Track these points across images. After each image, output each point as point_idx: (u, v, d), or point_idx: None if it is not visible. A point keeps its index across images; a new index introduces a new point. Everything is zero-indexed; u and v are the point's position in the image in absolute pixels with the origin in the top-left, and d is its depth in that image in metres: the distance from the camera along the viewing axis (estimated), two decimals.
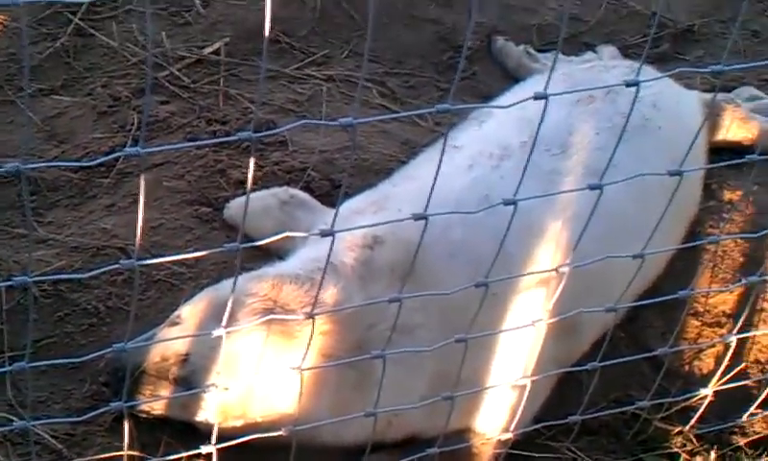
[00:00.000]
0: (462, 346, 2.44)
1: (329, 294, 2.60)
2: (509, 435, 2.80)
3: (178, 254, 2.99)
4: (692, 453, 2.94)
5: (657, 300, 2.84)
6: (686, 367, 3.14)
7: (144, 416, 2.66)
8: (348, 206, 2.93)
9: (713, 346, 3.10)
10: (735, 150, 3.53)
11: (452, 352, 2.49)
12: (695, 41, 4.07)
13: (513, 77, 3.76)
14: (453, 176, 2.84)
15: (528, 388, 2.71)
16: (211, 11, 3.80)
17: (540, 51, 3.88)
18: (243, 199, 3.21)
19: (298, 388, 2.41)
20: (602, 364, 2.66)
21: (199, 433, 2.57)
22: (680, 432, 2.98)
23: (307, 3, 3.88)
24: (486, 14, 3.97)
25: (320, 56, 3.81)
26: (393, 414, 2.62)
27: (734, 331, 2.88)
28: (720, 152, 3.51)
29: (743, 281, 3.13)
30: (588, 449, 2.90)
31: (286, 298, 2.63)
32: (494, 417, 2.82)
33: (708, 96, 3.55)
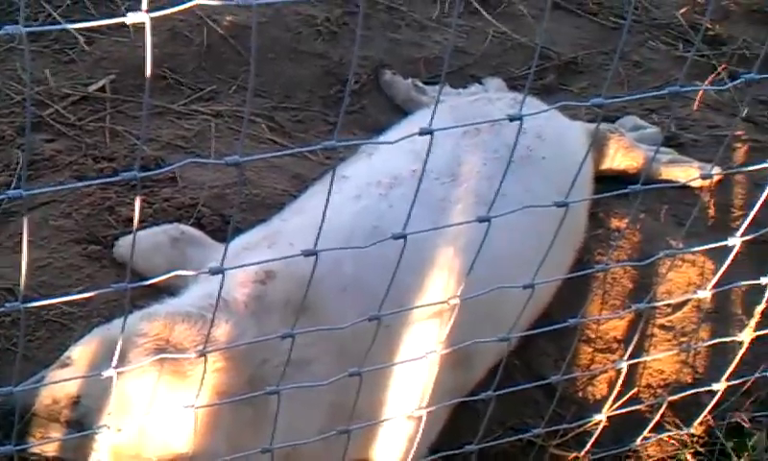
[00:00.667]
0: (357, 379, 2.46)
1: (222, 331, 2.59)
2: None
3: (67, 293, 2.97)
4: None
5: (548, 328, 2.86)
6: (580, 393, 3.17)
7: (35, 459, 2.61)
8: (239, 242, 2.93)
9: (605, 371, 3.14)
10: (621, 178, 3.57)
11: (348, 386, 2.50)
12: (579, 73, 4.14)
13: (402, 110, 3.76)
14: (342, 207, 2.85)
15: (424, 419, 2.73)
16: (96, 48, 3.78)
17: (427, 83, 3.89)
18: (132, 236, 3.20)
19: (192, 427, 2.41)
20: (497, 393, 2.68)
21: None
22: (575, 458, 3.01)
23: (194, 39, 3.87)
24: (373, 48, 4.00)
25: (207, 91, 3.80)
26: (290, 448, 2.62)
27: (626, 357, 2.91)
28: (606, 180, 3.55)
29: (632, 308, 3.17)
30: None
31: (178, 336, 2.61)
32: (391, 449, 2.82)
33: (593, 126, 3.61)
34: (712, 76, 4.14)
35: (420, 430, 2.75)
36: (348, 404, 2.55)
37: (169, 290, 2.84)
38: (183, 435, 2.51)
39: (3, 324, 2.93)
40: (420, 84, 3.89)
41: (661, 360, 3.23)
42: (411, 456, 2.78)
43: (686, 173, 3.67)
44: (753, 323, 2.93)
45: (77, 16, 3.94)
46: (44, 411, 2.58)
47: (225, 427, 2.58)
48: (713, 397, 3.01)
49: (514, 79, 3.98)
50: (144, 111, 3.61)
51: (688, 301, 3.34)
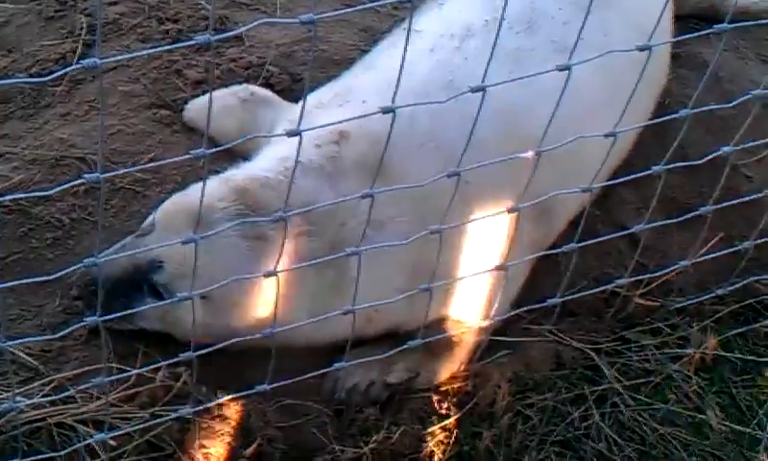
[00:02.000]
0: (437, 237, 2.49)
1: (300, 196, 2.59)
2: (488, 322, 2.85)
3: (140, 160, 3.01)
4: (674, 327, 2.99)
5: (630, 176, 2.86)
6: (664, 242, 3.15)
7: (120, 328, 2.66)
8: (310, 100, 2.90)
9: (690, 219, 3.09)
10: (703, 16, 3.52)
11: (428, 244, 2.52)
12: None
13: None
14: (415, 62, 2.79)
15: (506, 274, 2.76)
16: None
17: None
18: (203, 99, 3.20)
19: (275, 292, 2.44)
20: (579, 245, 2.69)
21: (176, 341, 2.57)
22: (660, 307, 3.03)
23: None
24: None
25: None
26: (372, 309, 2.65)
27: (711, 203, 2.92)
28: (687, 19, 3.51)
29: (719, 151, 3.17)
30: (569, 331, 2.95)
31: (258, 201, 2.64)
32: (473, 305, 2.85)
33: None
34: None
35: (502, 286, 2.79)
36: (428, 263, 2.57)
37: (242, 153, 2.84)
38: (265, 301, 2.55)
39: (77, 194, 2.96)
40: None
41: (747, 205, 3.20)
42: (493, 312, 2.82)
43: None
44: None
45: None
46: (127, 280, 2.63)
47: (307, 292, 2.62)
48: None
49: None
50: None
51: None
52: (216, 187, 2.66)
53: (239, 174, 2.75)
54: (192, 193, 2.66)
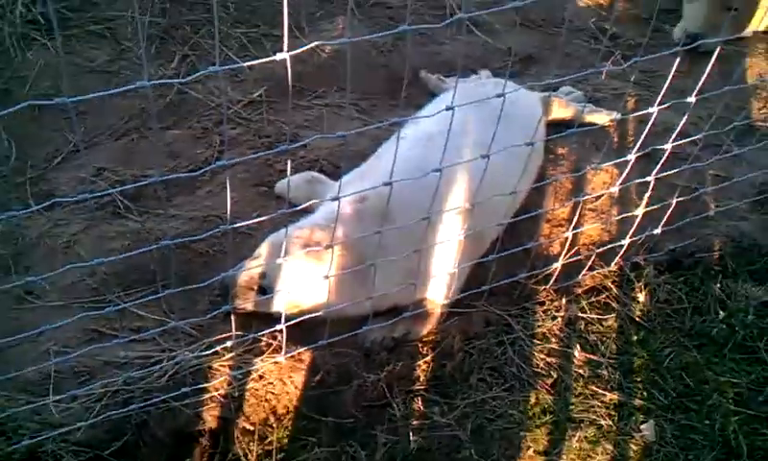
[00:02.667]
0: (420, 254, 2.52)
1: (339, 233, 2.63)
2: (447, 300, 2.88)
3: (250, 216, 3.03)
4: (551, 300, 2.99)
5: (525, 215, 2.89)
6: (546, 252, 3.16)
7: (242, 312, 2.70)
8: (344, 179, 2.96)
9: (560, 239, 3.13)
10: (562, 124, 3.54)
11: (413, 257, 2.58)
12: (534, 63, 4.07)
13: (433, 93, 3.73)
14: (402, 155, 2.83)
15: (457, 273, 2.79)
16: (255, 71, 3.76)
17: (446, 76, 3.85)
18: (285, 180, 3.23)
19: (326, 288, 2.48)
20: (497, 256, 2.72)
21: (273, 319, 2.59)
22: (544, 290, 3.02)
23: (309, 62, 3.82)
24: (415, 60, 3.96)
25: (320, 92, 3.78)
26: (383, 296, 2.69)
27: (570, 229, 2.94)
28: (554, 125, 3.54)
29: (573, 200, 3.21)
30: (494, 304, 2.94)
31: (316, 237, 2.68)
32: (440, 291, 2.87)
33: (544, 94, 3.58)
34: (612, 58, 4.07)
35: (456, 279, 2.81)
36: (413, 267, 2.63)
37: (307, 211, 2.86)
38: (322, 293, 2.58)
39: (218, 237, 2.98)
40: (443, 77, 3.84)
41: (591, 230, 3.22)
42: (450, 294, 2.85)
43: (600, 118, 3.64)
44: (642, 204, 2.92)
45: (245, 53, 3.90)
46: (245, 284, 2.66)
47: (345, 287, 2.64)
48: (622, 248, 3.02)
49: (495, 69, 3.91)
50: (289, 106, 3.61)
51: (605, 193, 3.31)
52: (293, 230, 2.72)
53: (306, 222, 2.81)
54: (280, 234, 2.70)
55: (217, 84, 3.70)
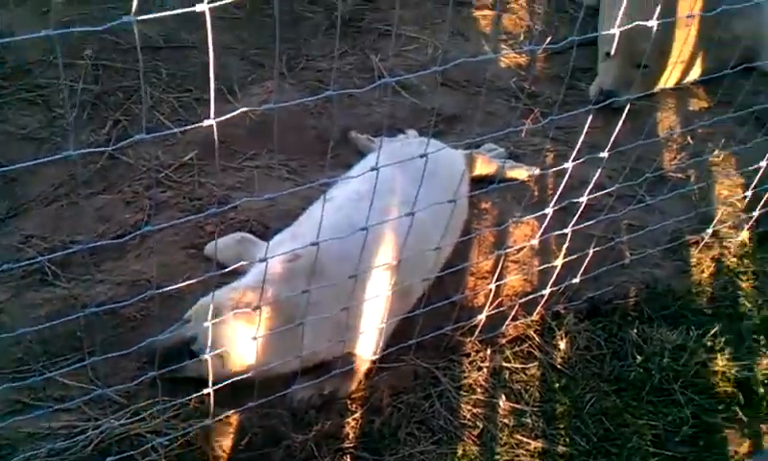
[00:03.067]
0: (349, 310, 2.53)
1: (270, 293, 2.63)
2: (375, 355, 2.88)
3: (181, 279, 3.00)
4: (477, 352, 3.02)
5: (450, 269, 2.93)
6: (470, 304, 3.19)
7: (170, 377, 2.64)
8: (276, 239, 2.96)
9: (484, 290, 3.16)
10: (485, 179, 3.61)
11: (343, 313, 2.59)
12: (458, 122, 4.13)
13: (362, 153, 3.76)
14: (331, 214, 2.85)
15: (385, 328, 2.80)
16: (186, 135, 3.73)
17: (374, 136, 3.88)
18: (215, 242, 3.22)
19: (255, 349, 2.47)
20: (423, 310, 2.74)
21: (201, 383, 2.55)
22: (469, 341, 3.05)
23: (241, 124, 3.82)
24: (342, 119, 3.99)
25: (250, 154, 3.77)
26: (312, 353, 2.68)
27: (493, 281, 2.99)
28: (477, 181, 3.60)
29: (496, 253, 3.25)
30: (420, 358, 2.95)
31: (247, 299, 2.66)
32: (368, 346, 2.87)
33: (467, 151, 3.64)
34: (531, 116, 4.16)
35: (383, 335, 2.83)
36: (342, 323, 2.64)
37: (237, 273, 2.85)
38: (252, 354, 2.56)
39: (145, 302, 2.93)
40: (371, 138, 3.86)
41: (514, 281, 3.27)
42: (378, 348, 2.85)
43: (521, 173, 3.71)
44: (561, 255, 2.98)
45: (177, 118, 3.89)
46: (176, 347, 2.62)
47: (274, 347, 2.63)
48: (544, 298, 3.07)
49: (421, 128, 3.96)
50: (217, 168, 3.59)
51: (526, 246, 3.37)
52: (225, 293, 2.70)
53: (236, 285, 2.79)
54: (210, 297, 2.65)
55: (148, 149, 3.69)
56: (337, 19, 4.61)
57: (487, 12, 4.78)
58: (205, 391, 2.41)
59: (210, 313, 2.29)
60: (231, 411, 2.64)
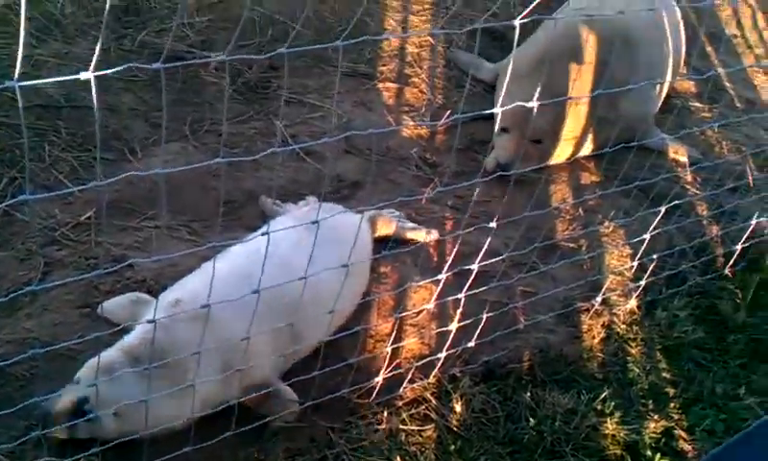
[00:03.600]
0: (235, 357, 2.53)
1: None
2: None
3: (73, 337, 2.87)
4: (374, 414, 3.00)
5: (348, 332, 2.92)
6: (368, 366, 3.17)
7: (58, 438, 2.55)
8: (164, 294, 2.91)
9: (381, 353, 3.15)
10: (385, 240, 3.62)
11: (229, 359, 2.54)
12: (361, 188, 4.15)
13: (266, 217, 3.72)
14: (225, 266, 2.86)
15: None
16: (84, 194, 3.63)
17: (281, 201, 3.83)
18: (108, 302, 3.13)
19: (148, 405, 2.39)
20: (320, 371, 2.72)
21: (90, 443, 2.45)
22: (367, 403, 3.03)
23: (141, 185, 3.74)
24: (246, 183, 3.96)
25: (150, 214, 3.69)
26: (204, 402, 2.65)
27: (389, 343, 2.99)
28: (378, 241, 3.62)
29: (395, 316, 3.27)
30: (317, 420, 2.92)
31: (135, 355, 2.61)
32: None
33: (369, 214, 3.65)
34: (431, 185, 4.23)
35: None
36: (232, 364, 2.64)
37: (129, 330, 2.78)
38: (142, 411, 2.48)
39: (36, 361, 2.82)
40: (278, 202, 3.82)
41: (412, 344, 3.28)
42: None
43: (419, 235, 3.75)
44: (456, 320, 3.01)
45: (75, 176, 3.78)
46: (63, 409, 2.52)
47: (167, 399, 2.56)
48: (440, 361, 3.09)
49: (324, 194, 3.96)
50: (101, 224, 3.51)
51: (424, 309, 3.39)
52: (114, 352, 2.61)
53: (126, 342, 2.70)
54: (102, 355, 2.59)
55: (45, 207, 3.57)
56: (242, 85, 4.62)
57: (389, 84, 4.88)
58: (93, 451, 2.32)
59: (100, 372, 2.22)
60: None
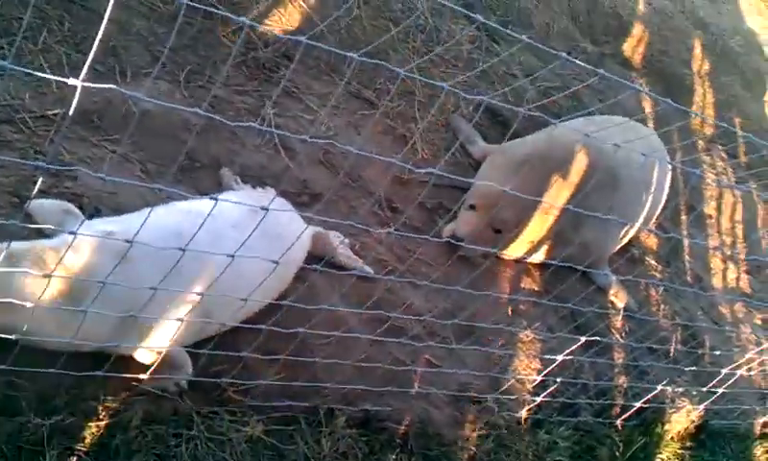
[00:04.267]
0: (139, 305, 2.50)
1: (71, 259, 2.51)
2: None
3: None
4: (243, 414, 2.93)
5: (252, 326, 2.86)
6: (257, 367, 3.09)
7: None
8: (96, 221, 2.84)
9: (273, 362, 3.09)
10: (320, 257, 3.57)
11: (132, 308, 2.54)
12: (320, 201, 4.10)
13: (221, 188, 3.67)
14: (161, 217, 2.83)
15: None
16: (60, 91, 3.55)
17: (243, 181, 3.79)
18: (40, 200, 3.04)
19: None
20: (211, 352, 2.65)
21: None
22: (241, 401, 2.97)
23: (117, 106, 3.65)
24: (216, 150, 3.90)
25: (114, 137, 3.60)
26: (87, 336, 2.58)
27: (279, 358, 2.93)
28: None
29: (298, 329, 3.21)
30: (187, 397, 2.84)
31: (44, 256, 2.53)
32: (144, 354, 2.77)
33: (316, 228, 3.62)
34: (385, 228, 4.19)
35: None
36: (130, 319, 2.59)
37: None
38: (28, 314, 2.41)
39: None
40: (239, 180, 3.78)
41: (306, 363, 3.22)
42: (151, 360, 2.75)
43: (355, 266, 3.70)
44: (352, 359, 2.97)
45: (59, 71, 3.70)
46: None
47: (54, 314, 2.50)
48: (323, 391, 3.03)
49: (286, 192, 3.91)
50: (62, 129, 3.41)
51: (333, 335, 3.33)
52: (22, 244, 2.57)
53: (37, 242, 2.64)
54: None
55: (18, 86, 3.49)
56: (251, 59, 4.59)
57: (386, 119, 4.88)
58: None
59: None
60: None
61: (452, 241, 4.15)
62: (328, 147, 3.77)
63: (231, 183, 3.76)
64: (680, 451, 4.20)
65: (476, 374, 3.65)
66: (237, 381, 2.93)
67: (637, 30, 7.40)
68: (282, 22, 4.84)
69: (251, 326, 2.92)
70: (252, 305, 3.08)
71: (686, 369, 4.44)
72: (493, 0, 6.36)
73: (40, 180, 3.06)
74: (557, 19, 6.82)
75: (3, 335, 2.38)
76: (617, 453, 3.86)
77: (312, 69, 4.86)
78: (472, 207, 4.49)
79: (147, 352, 2.72)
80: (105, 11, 4.06)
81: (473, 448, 3.46)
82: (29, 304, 2.34)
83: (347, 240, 3.88)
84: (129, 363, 2.72)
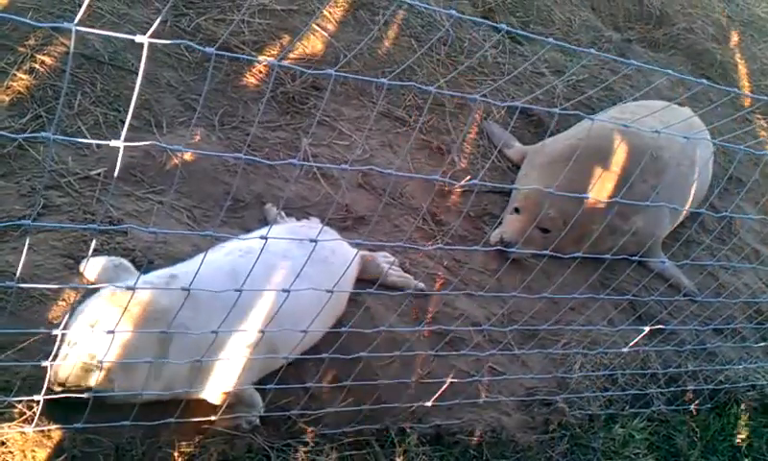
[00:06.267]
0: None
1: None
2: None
3: (49, 284, 2.86)
4: (316, 444, 2.96)
5: (313, 356, 2.88)
6: (322, 395, 3.13)
7: None
8: (150, 275, 2.88)
9: (338, 386, 3.11)
10: (371, 281, 3.60)
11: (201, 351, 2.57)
12: (366, 224, 4.13)
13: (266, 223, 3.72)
14: (216, 260, 2.88)
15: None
16: (101, 151, 3.65)
17: (288, 214, 3.84)
18: (93, 259, 3.11)
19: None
20: (275, 387, 2.68)
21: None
22: (312, 431, 3.00)
23: (156, 160, 3.73)
24: (257, 186, 3.95)
25: (158, 188, 3.69)
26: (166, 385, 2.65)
27: (351, 381, 2.95)
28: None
29: (360, 355, 3.23)
30: (260, 433, 2.89)
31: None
32: (214, 394, 2.79)
33: (363, 252, 3.64)
34: (432, 241, 4.22)
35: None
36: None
37: None
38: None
39: (6, 294, 2.79)
40: (283, 214, 3.83)
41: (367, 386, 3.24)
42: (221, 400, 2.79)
43: (406, 284, 3.71)
44: (415, 375, 2.97)
45: (96, 131, 3.80)
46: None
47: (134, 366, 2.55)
48: (394, 410, 3.02)
49: (327, 219, 3.94)
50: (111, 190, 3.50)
51: (395, 356, 3.34)
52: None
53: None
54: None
55: (59, 152, 3.59)
56: (280, 94, 4.66)
57: (420, 135, 4.91)
58: (35, 397, 2.28)
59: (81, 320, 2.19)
60: (55, 426, 2.50)
61: (501, 247, 4.14)
62: (368, 171, 3.80)
63: (277, 218, 3.81)
64: (760, 429, 4.10)
65: (542, 376, 3.62)
66: (307, 412, 2.95)
67: (659, 11, 7.34)
68: (306, 52, 4.91)
69: (313, 356, 2.94)
70: (313, 334, 3.11)
71: (755, 345, 4.35)
72: (512, 1, 6.37)
73: (93, 241, 3.23)
74: (577, 12, 6.80)
75: (76, 394, 2.43)
76: (695, 439, 3.79)
77: (340, 96, 4.91)
78: (517, 210, 4.48)
79: (218, 393, 2.75)
80: (134, 67, 4.23)
81: (549, 451, 3.42)
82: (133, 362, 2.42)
83: (395, 259, 3.90)
84: (199, 406, 2.76)
